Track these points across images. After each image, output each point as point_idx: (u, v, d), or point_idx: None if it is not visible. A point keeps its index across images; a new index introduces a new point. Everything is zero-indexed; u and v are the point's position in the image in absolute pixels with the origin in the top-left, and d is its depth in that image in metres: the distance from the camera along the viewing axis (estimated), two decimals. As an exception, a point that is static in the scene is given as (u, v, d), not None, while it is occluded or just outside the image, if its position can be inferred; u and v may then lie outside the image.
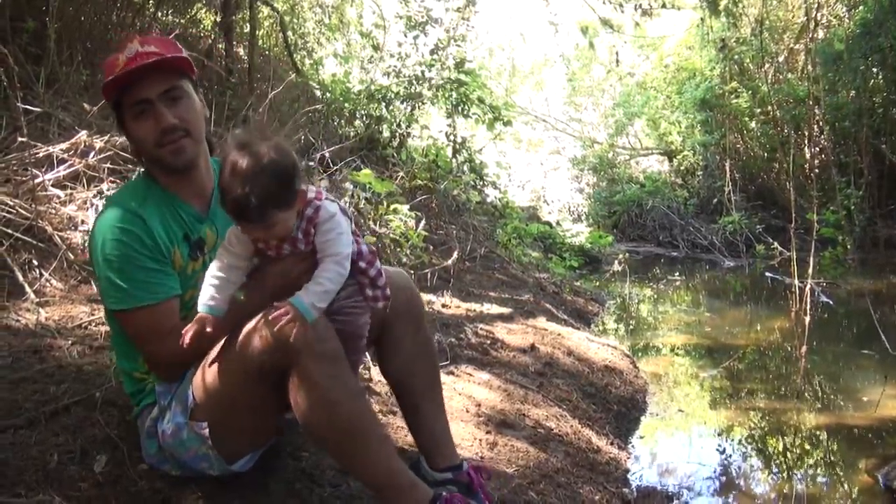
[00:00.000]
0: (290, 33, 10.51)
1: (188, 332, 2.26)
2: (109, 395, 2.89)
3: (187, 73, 2.53)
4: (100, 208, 4.57)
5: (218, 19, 9.00)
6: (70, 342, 3.39)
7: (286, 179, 2.24)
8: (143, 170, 2.61)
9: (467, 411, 3.84)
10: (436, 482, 2.61)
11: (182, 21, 9.16)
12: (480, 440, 3.52)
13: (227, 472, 2.47)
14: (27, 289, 3.78)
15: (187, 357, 2.37)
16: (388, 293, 2.52)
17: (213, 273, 2.35)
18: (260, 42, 10.27)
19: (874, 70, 13.55)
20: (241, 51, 9.75)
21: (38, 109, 5.01)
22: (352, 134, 9.44)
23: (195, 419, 2.38)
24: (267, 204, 2.19)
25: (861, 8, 13.37)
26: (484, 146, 12.30)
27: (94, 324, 3.68)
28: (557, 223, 14.44)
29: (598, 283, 11.47)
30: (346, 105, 9.76)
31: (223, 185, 2.21)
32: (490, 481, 2.85)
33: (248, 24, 9.62)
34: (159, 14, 8.58)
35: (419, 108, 10.37)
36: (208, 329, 2.27)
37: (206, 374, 2.35)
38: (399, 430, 3.35)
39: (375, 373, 3.86)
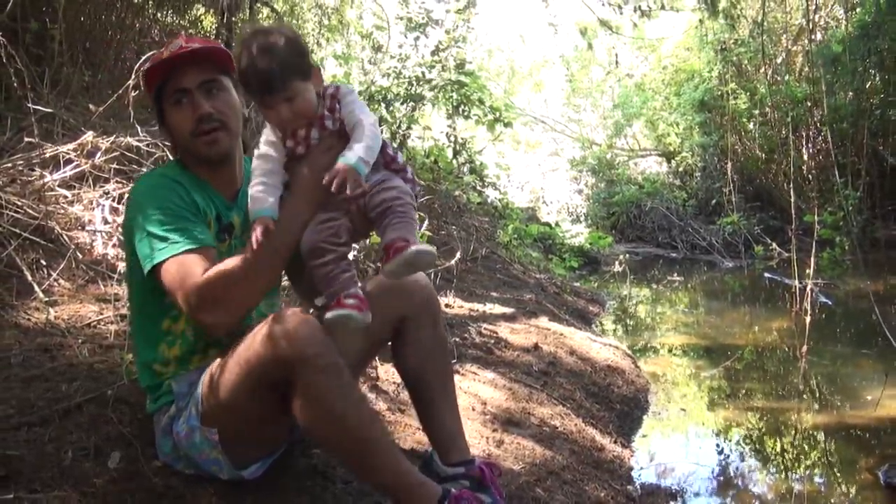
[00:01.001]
0: (290, 34, 10.51)
1: (253, 236, 2.32)
2: (121, 393, 2.91)
3: (228, 70, 2.60)
4: (106, 209, 4.63)
5: (218, 20, 9.01)
6: (80, 341, 3.41)
7: (301, 49, 2.37)
8: (176, 158, 2.69)
9: (473, 409, 3.87)
10: (447, 477, 2.65)
11: (182, 22, 9.17)
12: (487, 438, 3.55)
13: (238, 477, 2.50)
14: (36, 288, 3.80)
15: (230, 289, 2.34)
16: (416, 184, 2.54)
17: (256, 181, 2.41)
18: (259, 43, 10.27)
19: (872, 72, 13.60)
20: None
21: (48, 110, 5.04)
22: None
23: (206, 425, 2.41)
24: (286, 72, 2.30)
25: (859, 10, 13.42)
26: (484, 147, 12.33)
27: (102, 323, 3.70)
28: (556, 224, 14.46)
29: (597, 284, 11.51)
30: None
31: (242, 67, 2.30)
32: (501, 477, 2.88)
33: (247, 26, 9.62)
34: (159, 15, 8.58)
35: (420, 109, 10.38)
36: (270, 227, 2.32)
37: (214, 383, 2.37)
38: (407, 428, 3.39)
39: (382, 372, 3.90)
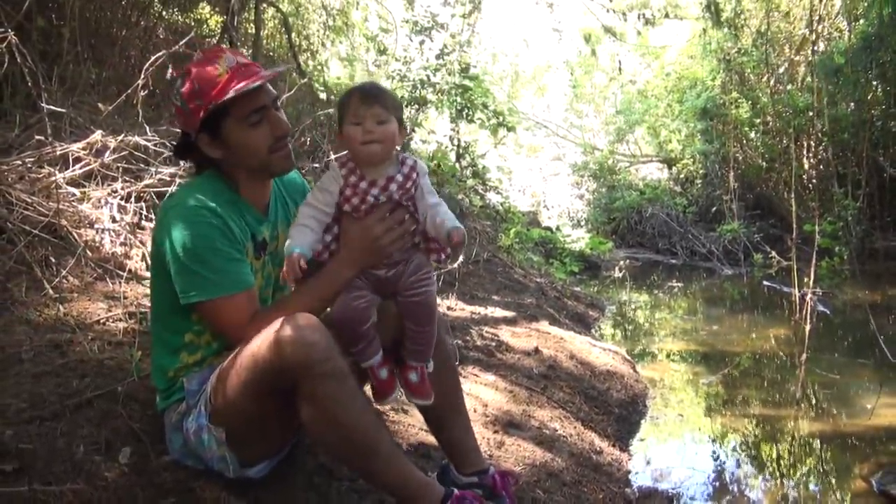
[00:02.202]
0: (294, 35, 10.56)
1: (284, 271, 2.41)
2: (131, 390, 2.96)
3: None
4: (114, 207, 4.68)
5: (223, 20, 9.05)
6: (90, 337, 3.45)
7: (400, 102, 2.56)
8: (210, 171, 2.66)
9: (475, 411, 3.92)
10: (463, 486, 2.69)
11: (187, 21, 9.21)
12: (488, 439, 3.60)
13: (244, 476, 2.54)
14: (45, 285, 3.84)
15: None
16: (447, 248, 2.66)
17: (300, 221, 2.49)
18: (264, 43, 10.32)
19: (874, 83, 13.65)
20: (245, 51, 9.81)
21: (59, 109, 5.07)
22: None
23: (214, 423, 2.45)
24: (390, 102, 2.46)
25: (862, 21, 13.47)
26: (487, 151, 12.38)
27: (111, 320, 3.74)
28: (557, 228, 14.51)
29: (597, 289, 11.54)
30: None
31: (350, 89, 2.47)
32: (517, 485, 2.92)
33: (252, 25, 9.68)
34: (164, 13, 8.62)
35: (424, 112, 10.44)
36: (301, 264, 2.37)
37: (222, 383, 2.41)
38: (411, 428, 3.45)
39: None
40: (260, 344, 2.29)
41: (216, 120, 2.51)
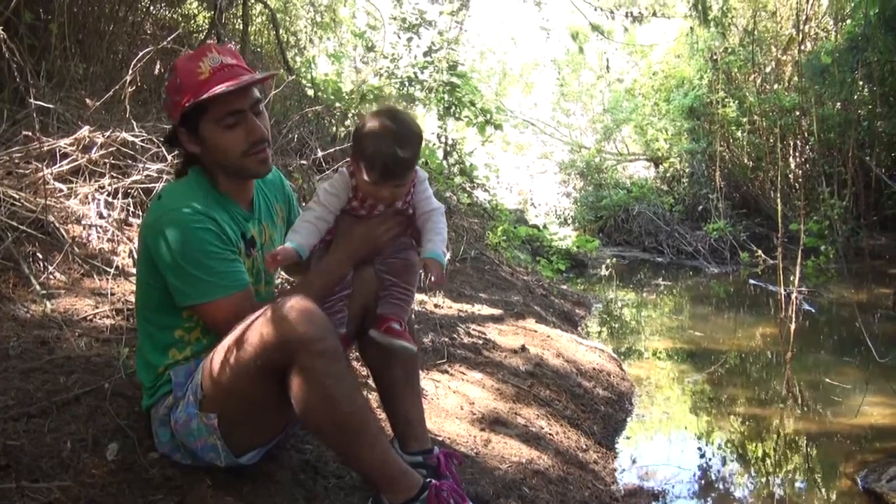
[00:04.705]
0: (282, 31, 10.53)
1: (273, 254, 2.50)
2: (118, 387, 2.96)
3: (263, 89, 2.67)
4: (102, 203, 4.67)
5: (210, 15, 9.01)
6: (77, 334, 3.45)
7: (422, 140, 2.59)
8: (195, 171, 2.68)
9: (461, 409, 3.93)
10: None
11: (175, 16, 9.18)
12: (475, 437, 3.62)
13: (235, 463, 2.55)
14: (33, 281, 3.84)
15: None
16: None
17: (304, 219, 2.57)
18: (252, 39, 10.29)
19: (860, 83, 13.71)
20: (232, 47, 9.75)
21: (47, 105, 5.06)
22: (343, 134, 9.49)
23: (204, 410, 2.45)
24: (412, 164, 2.52)
25: (849, 22, 13.53)
26: (474, 149, 12.39)
27: (99, 317, 3.74)
28: (544, 226, 14.51)
29: (584, 287, 11.56)
30: (339, 105, 9.80)
31: (382, 149, 2.44)
32: (460, 467, 2.95)
33: (240, 21, 9.64)
34: (152, 9, 8.59)
35: (411, 109, 10.44)
36: (293, 259, 2.49)
37: (214, 368, 2.41)
38: (384, 422, 3.44)
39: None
40: (256, 324, 2.31)
41: (195, 117, 2.55)
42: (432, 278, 2.56)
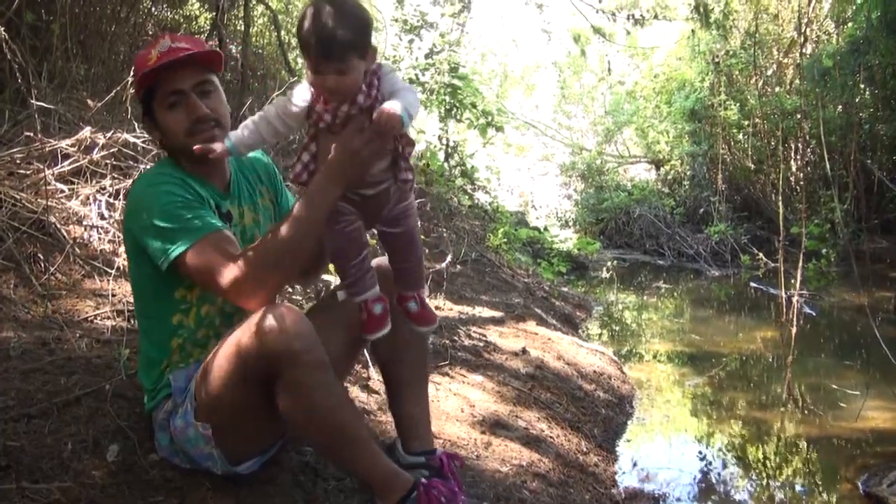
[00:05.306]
0: (283, 32, 10.54)
1: (207, 145, 2.40)
2: (119, 388, 2.96)
3: (216, 69, 2.66)
4: (103, 204, 4.67)
5: (212, 16, 9.01)
6: (78, 335, 3.45)
7: (367, 25, 2.33)
8: (166, 156, 2.72)
9: (462, 411, 3.93)
10: (408, 465, 2.72)
11: (176, 17, 9.19)
12: (475, 440, 3.61)
13: (232, 472, 2.55)
14: (34, 282, 3.84)
15: (262, 268, 2.36)
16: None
17: (254, 118, 2.40)
18: (253, 40, 10.30)
19: (862, 86, 13.71)
20: (234, 48, 9.78)
21: (51, 106, 5.06)
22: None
23: (199, 420, 2.45)
24: (350, 44, 2.25)
25: (850, 25, 13.53)
26: (475, 151, 12.39)
27: (100, 318, 3.74)
28: (545, 228, 14.51)
29: (585, 289, 11.56)
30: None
31: (307, 26, 2.24)
32: (461, 470, 2.94)
33: (241, 22, 9.65)
34: (154, 10, 8.60)
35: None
36: (219, 149, 2.38)
37: (205, 378, 2.41)
38: (388, 424, 3.44)
39: (374, 372, 3.95)
40: (242, 335, 2.29)
41: (149, 103, 2.60)
42: (385, 125, 2.27)
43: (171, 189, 2.48)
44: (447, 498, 2.50)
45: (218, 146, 2.38)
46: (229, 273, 2.35)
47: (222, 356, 2.35)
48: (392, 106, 2.24)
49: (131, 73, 5.17)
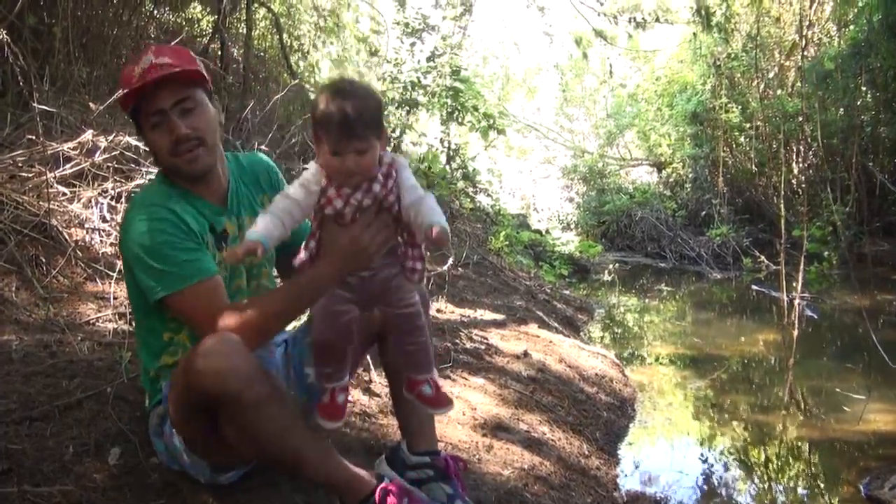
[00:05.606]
0: (285, 35, 10.55)
1: (232, 252, 2.30)
2: (120, 391, 2.97)
3: (200, 83, 2.61)
4: (104, 207, 4.67)
5: (214, 19, 9.02)
6: (79, 338, 3.46)
7: (382, 106, 2.39)
8: (160, 171, 2.68)
9: (464, 414, 3.93)
10: (413, 465, 2.72)
11: (179, 20, 9.20)
12: (477, 443, 3.61)
13: (214, 481, 2.54)
14: (36, 285, 3.84)
15: (244, 330, 2.33)
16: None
17: (271, 211, 2.38)
18: (255, 43, 10.31)
19: (863, 89, 13.73)
20: (236, 51, 9.79)
21: (53, 109, 5.06)
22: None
23: (175, 431, 2.46)
24: (371, 123, 2.30)
25: (852, 28, 13.55)
26: (477, 154, 12.39)
27: (101, 321, 3.75)
28: (547, 231, 14.53)
29: (586, 292, 11.56)
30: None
31: (328, 108, 2.28)
32: (465, 471, 2.92)
33: (244, 25, 9.66)
34: (156, 13, 8.60)
35: (414, 114, 10.45)
36: (259, 252, 2.26)
37: (169, 397, 2.41)
38: (389, 427, 3.44)
39: (375, 375, 3.95)
40: (181, 373, 2.27)
41: (137, 120, 2.59)
42: (439, 240, 2.30)
43: (164, 227, 2.45)
44: (411, 500, 2.49)
45: (259, 250, 2.27)
46: (209, 326, 2.35)
47: (174, 382, 2.35)
48: (439, 222, 2.29)
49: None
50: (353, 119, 2.27)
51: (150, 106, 2.50)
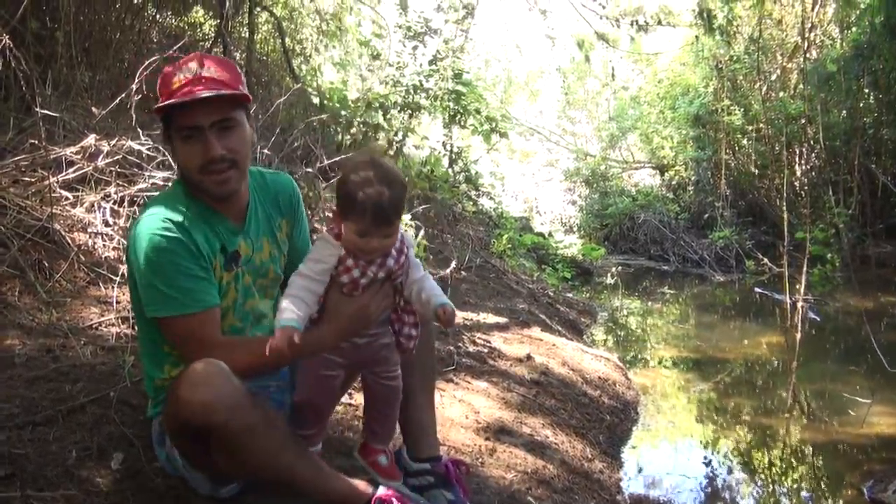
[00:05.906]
0: (287, 39, 10.55)
1: (273, 342, 2.27)
2: (123, 395, 2.97)
3: (243, 103, 2.54)
4: (107, 211, 4.67)
5: (217, 23, 9.02)
6: (82, 342, 3.46)
7: (407, 192, 2.47)
8: (180, 181, 2.60)
9: (467, 418, 3.93)
10: (414, 472, 2.75)
11: (181, 24, 9.20)
12: (480, 446, 3.61)
13: (214, 494, 2.53)
14: (39, 289, 3.84)
15: (238, 370, 2.31)
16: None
17: (293, 293, 2.40)
18: (258, 47, 10.31)
19: (866, 91, 13.72)
20: (238, 55, 9.78)
21: (55, 114, 5.06)
22: (349, 142, 9.48)
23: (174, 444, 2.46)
24: (399, 210, 2.41)
25: (854, 30, 13.53)
26: (479, 157, 12.39)
27: (104, 325, 3.75)
28: (550, 234, 14.51)
29: (589, 295, 11.56)
30: (344, 113, 9.77)
31: (370, 194, 2.32)
32: (468, 475, 2.95)
33: (246, 29, 9.67)
34: (158, 17, 8.60)
35: (417, 117, 10.44)
36: (296, 339, 2.26)
37: (164, 414, 2.41)
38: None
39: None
40: (169, 402, 2.28)
41: (167, 123, 2.50)
42: (450, 321, 2.49)
43: (172, 247, 2.39)
44: None
45: (286, 335, 2.28)
46: (198, 356, 2.31)
47: (165, 404, 2.36)
48: (446, 302, 2.49)
49: (136, 79, 5.24)
50: (388, 208, 2.35)
51: (187, 119, 2.42)
